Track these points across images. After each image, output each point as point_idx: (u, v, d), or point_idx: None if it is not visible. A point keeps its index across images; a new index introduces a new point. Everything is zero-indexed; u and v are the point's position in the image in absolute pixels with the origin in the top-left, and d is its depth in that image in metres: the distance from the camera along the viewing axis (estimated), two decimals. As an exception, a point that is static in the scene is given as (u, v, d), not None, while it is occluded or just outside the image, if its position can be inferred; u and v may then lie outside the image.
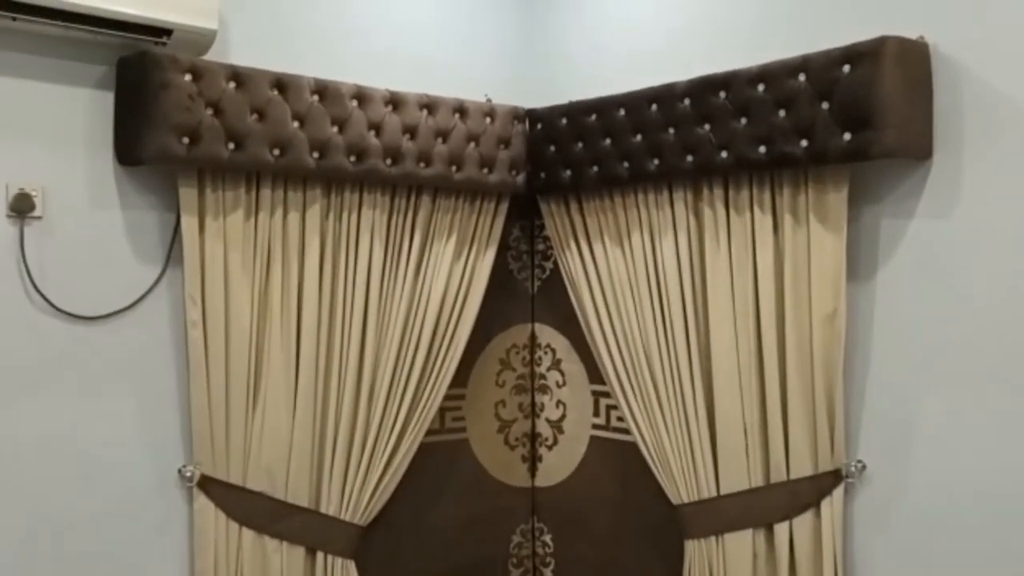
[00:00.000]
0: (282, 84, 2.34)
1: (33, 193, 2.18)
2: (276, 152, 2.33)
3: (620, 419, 2.74)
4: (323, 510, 2.52)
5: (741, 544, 2.39)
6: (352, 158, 2.45)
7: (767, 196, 2.30)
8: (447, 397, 2.76)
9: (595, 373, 2.80)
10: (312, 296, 2.48)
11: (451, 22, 2.88)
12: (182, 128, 2.18)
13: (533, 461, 3.08)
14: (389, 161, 2.51)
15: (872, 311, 2.23)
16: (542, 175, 2.75)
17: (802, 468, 2.29)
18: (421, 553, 2.81)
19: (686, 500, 2.49)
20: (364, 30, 2.70)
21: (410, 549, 2.79)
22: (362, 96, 2.47)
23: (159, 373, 2.35)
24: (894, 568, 2.22)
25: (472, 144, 2.66)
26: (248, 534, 2.41)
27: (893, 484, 2.22)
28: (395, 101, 2.53)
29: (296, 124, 2.36)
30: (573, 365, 2.96)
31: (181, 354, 2.36)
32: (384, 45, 2.72)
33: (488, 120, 2.70)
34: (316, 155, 2.39)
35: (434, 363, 2.70)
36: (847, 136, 2.05)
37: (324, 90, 2.40)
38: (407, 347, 2.64)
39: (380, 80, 2.54)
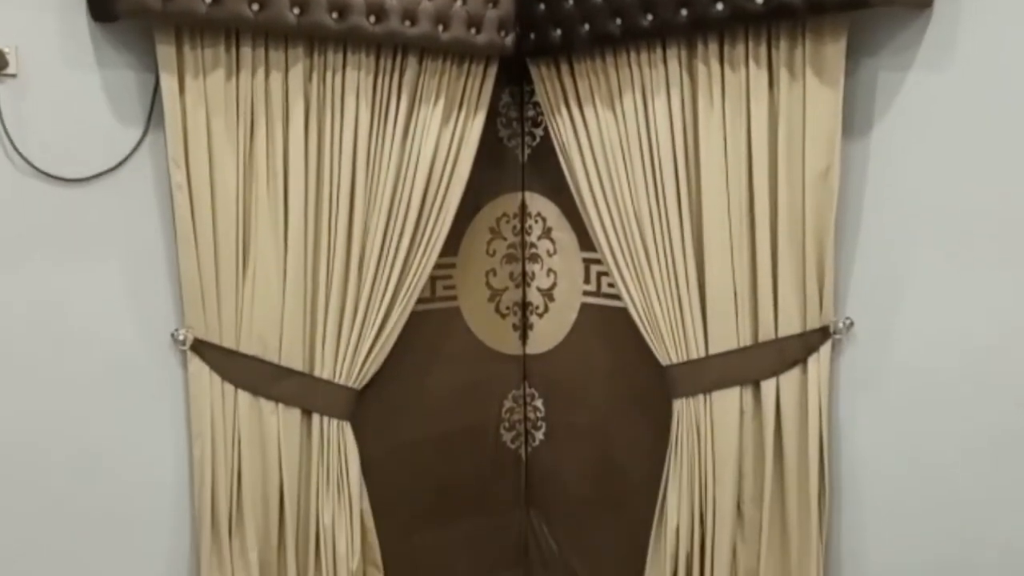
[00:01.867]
0: (260, -66, 2.24)
1: (6, 50, 2.10)
2: (255, 7, 2.24)
3: (611, 285, 2.75)
4: (317, 374, 2.54)
5: (728, 401, 2.44)
6: (334, 15, 2.36)
7: (763, 50, 2.24)
8: (437, 266, 2.75)
9: (586, 241, 2.79)
10: (298, 159, 2.43)
11: None
12: (157, -22, 2.10)
13: (524, 329, 3.11)
14: (373, 19, 2.42)
15: (866, 167, 2.22)
16: (531, 36, 2.66)
17: (790, 327, 2.32)
18: (415, 417, 2.86)
19: (675, 361, 2.52)
20: None
21: (404, 413, 2.84)
22: (343, -51, 2.37)
23: (146, 238, 2.33)
24: (879, 423, 2.28)
25: (459, 2, 2.57)
26: (244, 397, 2.44)
27: (880, 341, 2.25)
28: (378, -46, 2.42)
29: (276, -22, 2.27)
30: (564, 233, 2.95)
31: (167, 219, 2.33)
32: None
33: (475, -24, 2.60)
34: (297, 11, 2.30)
35: (424, 230, 2.68)
36: (847, -18, 1.99)
37: (304, -59, 2.30)
38: (396, 213, 2.61)
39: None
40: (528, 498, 3.13)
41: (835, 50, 2.12)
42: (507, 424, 3.10)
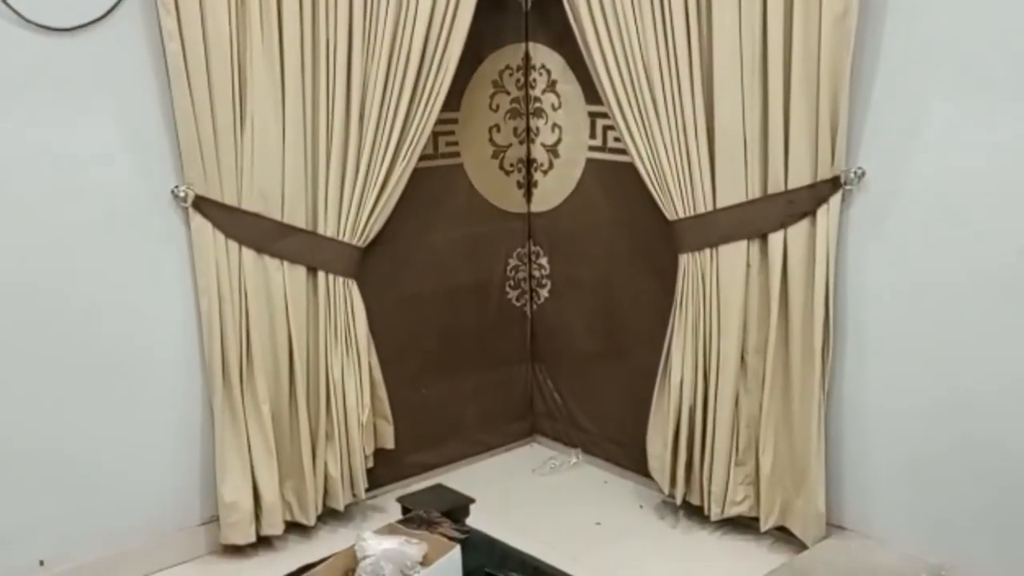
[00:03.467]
0: None
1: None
2: None
3: (617, 139, 2.69)
4: (320, 231, 2.53)
5: (734, 254, 2.44)
6: None
7: None
8: (440, 121, 2.69)
9: (592, 93, 2.72)
10: (293, 10, 2.33)
11: None
12: None
13: (528, 186, 3.07)
14: None
15: (884, 12, 2.13)
16: None
17: (801, 178, 2.28)
18: (420, 274, 2.87)
19: (682, 216, 2.50)
20: None
21: (409, 270, 2.84)
22: None
23: (141, 88, 2.26)
24: (885, 271, 2.28)
25: None
26: (248, 253, 2.44)
27: (890, 190, 2.22)
28: None
29: None
30: (569, 86, 2.87)
31: (161, 69, 2.25)
32: None
33: None
34: None
35: (424, 83, 2.59)
36: None
37: None
38: (396, 65, 2.53)
39: None
40: (533, 353, 3.18)
41: None
42: (512, 282, 3.11)
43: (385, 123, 2.55)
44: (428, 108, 2.62)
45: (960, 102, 2.06)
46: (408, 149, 2.61)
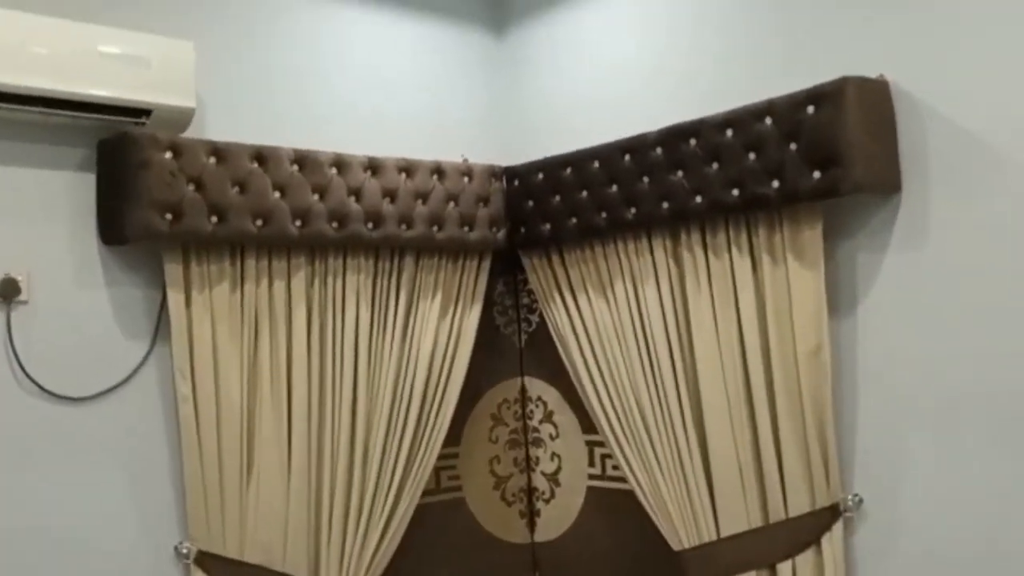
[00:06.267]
0: (262, 156, 2.38)
1: (19, 278, 2.19)
2: (259, 223, 2.36)
3: (616, 467, 2.74)
4: (322, 579, 2.49)
5: (746, 586, 2.38)
6: (334, 224, 2.48)
7: (743, 237, 2.34)
8: (441, 456, 2.76)
9: (588, 423, 2.81)
10: (301, 363, 2.48)
11: (424, 85, 2.94)
12: (164, 204, 2.21)
13: (531, 516, 3.06)
14: (371, 225, 2.54)
15: (855, 345, 2.26)
16: (522, 230, 2.79)
17: (800, 505, 2.30)
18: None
19: (687, 545, 2.48)
20: (339, 98, 2.75)
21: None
22: (341, 163, 2.51)
23: (151, 450, 2.34)
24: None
25: (452, 204, 2.70)
26: (248, 606, 2.38)
27: (890, 517, 2.22)
28: (373, 166, 2.57)
29: (277, 194, 2.39)
30: (565, 416, 2.96)
31: (172, 430, 2.35)
32: (359, 112, 2.78)
33: (466, 179, 2.75)
34: (298, 223, 2.42)
35: (426, 423, 2.70)
36: (816, 175, 2.10)
37: (303, 160, 2.45)
38: (398, 408, 2.64)
39: (357, 146, 2.59)
40: None
41: (812, 235, 2.21)
42: (520, 623, 3.00)
43: (388, 463, 2.61)
44: (429, 446, 2.69)
45: (940, 430, 2.13)
46: (411, 486, 2.65)
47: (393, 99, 2.85)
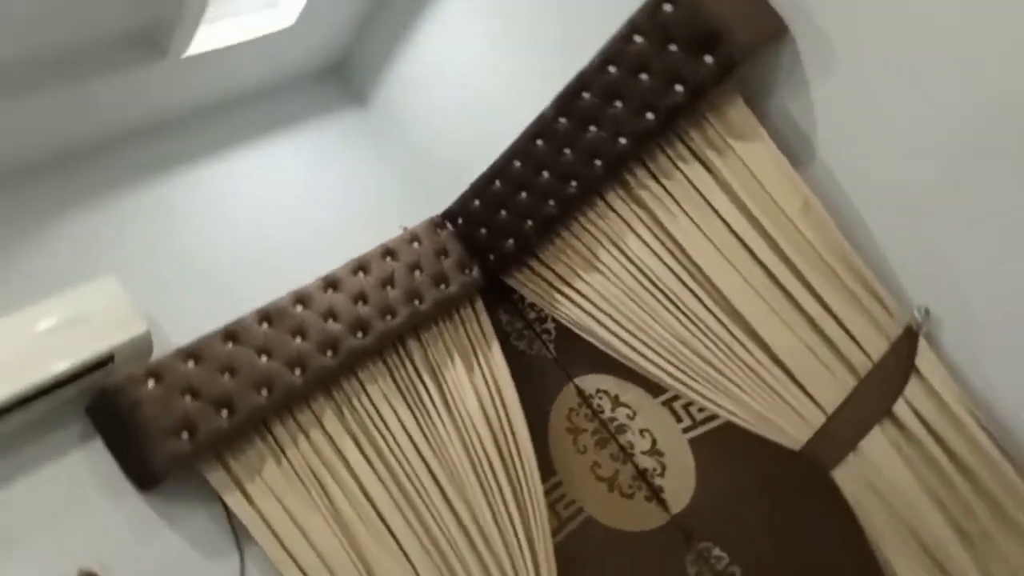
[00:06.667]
0: (231, 334, 2.39)
1: (95, 570, 2.19)
2: (264, 392, 2.37)
3: (701, 410, 2.72)
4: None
5: (878, 444, 2.34)
6: (328, 353, 2.48)
7: (682, 149, 2.33)
8: (547, 492, 2.74)
9: (654, 386, 2.78)
10: (378, 490, 2.47)
11: (327, 185, 2.96)
12: (173, 428, 2.22)
13: (656, 495, 3.03)
14: (360, 335, 2.55)
15: (834, 179, 2.24)
16: (491, 257, 2.78)
17: (878, 346, 2.26)
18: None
19: (804, 440, 2.44)
20: (264, 242, 2.77)
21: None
22: (302, 297, 2.52)
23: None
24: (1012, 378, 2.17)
25: (417, 273, 2.70)
26: None
27: (963, 308, 2.19)
28: (331, 283, 2.58)
29: (264, 358, 2.40)
30: (630, 393, 2.93)
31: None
32: (289, 244, 2.79)
33: (416, 244, 2.75)
34: (298, 372, 2.43)
35: (516, 471, 2.68)
36: (708, 59, 2.09)
37: (267, 315, 2.46)
38: (484, 473, 2.62)
39: (305, 274, 2.60)
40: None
41: (738, 112, 2.20)
42: (704, 588, 2.97)
43: (505, 525, 2.58)
44: (532, 488, 2.67)
45: (953, 212, 2.10)
46: (540, 535, 2.62)
47: (309, 215, 2.87)
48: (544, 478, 2.75)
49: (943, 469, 2.28)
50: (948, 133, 2.05)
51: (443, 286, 2.72)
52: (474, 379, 2.73)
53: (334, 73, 3.15)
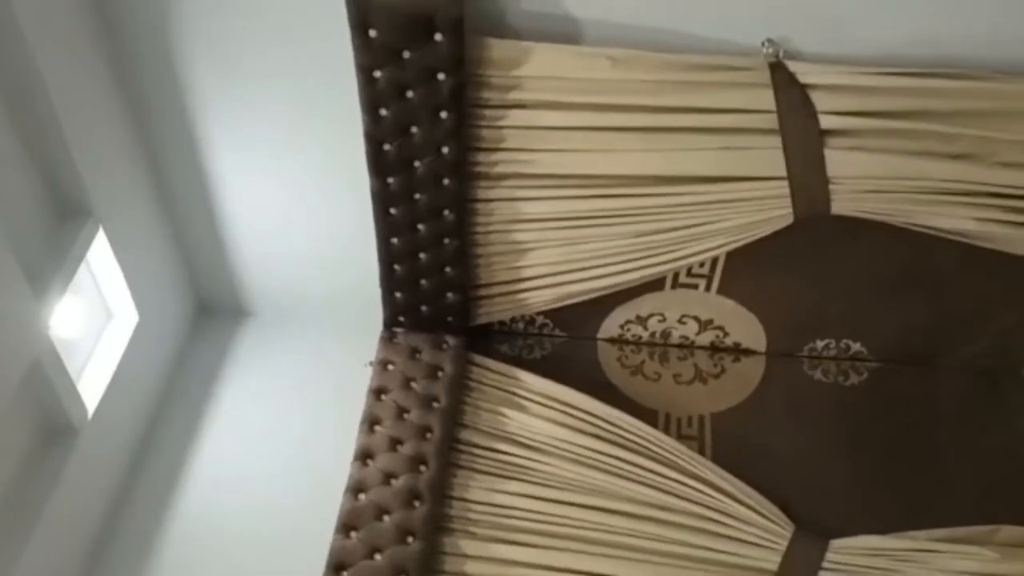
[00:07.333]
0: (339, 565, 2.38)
1: None
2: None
3: (702, 264, 2.73)
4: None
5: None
6: (416, 503, 2.47)
7: (490, 111, 2.34)
8: (665, 430, 2.72)
9: (656, 283, 2.78)
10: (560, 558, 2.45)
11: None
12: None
13: (740, 351, 3.04)
14: (422, 467, 2.54)
15: (611, 26, 2.27)
16: (449, 320, 2.81)
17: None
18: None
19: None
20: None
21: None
22: (358, 486, 2.51)
23: None
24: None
25: (413, 384, 2.70)
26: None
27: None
28: (365, 455, 2.57)
29: (378, 556, 2.38)
30: (642, 303, 2.92)
31: None
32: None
33: (391, 367, 2.76)
34: (410, 539, 2.41)
35: (637, 446, 2.61)
36: (438, 37, 2.14)
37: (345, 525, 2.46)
38: (618, 469, 2.58)
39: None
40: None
41: (498, 48, 2.23)
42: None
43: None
44: (659, 444, 2.66)
45: None
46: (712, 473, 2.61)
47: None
48: (655, 425, 2.75)
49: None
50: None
51: (440, 373, 2.74)
52: (533, 411, 2.73)
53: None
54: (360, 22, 2.13)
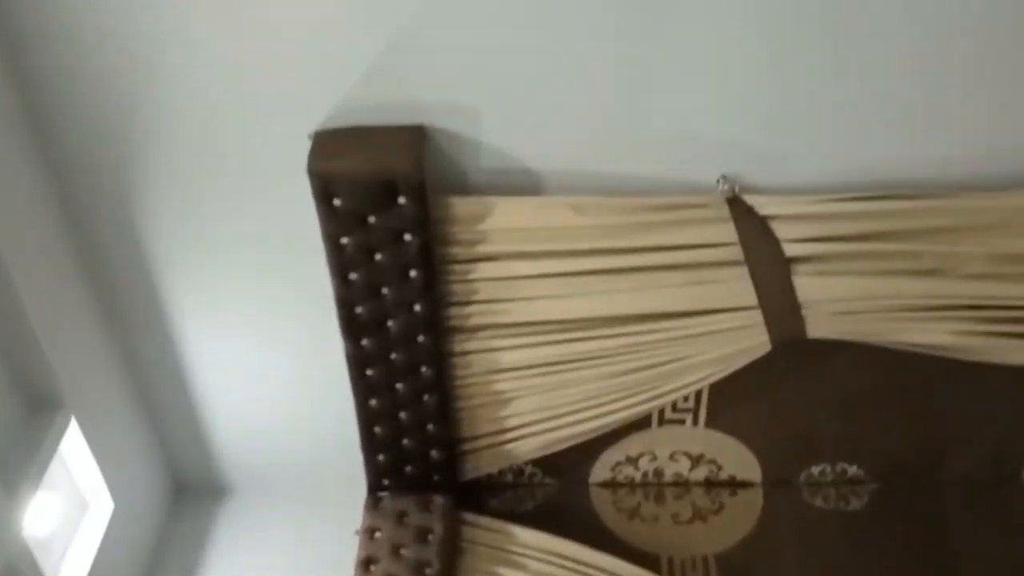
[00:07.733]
0: None
1: None
2: None
3: (686, 399, 2.70)
4: None
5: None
6: None
7: (458, 266, 2.37)
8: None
9: (642, 422, 2.74)
10: None
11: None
12: None
13: (736, 484, 2.97)
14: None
15: (569, 175, 2.32)
16: (435, 479, 2.74)
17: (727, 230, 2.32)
18: None
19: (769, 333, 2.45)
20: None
21: None
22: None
23: None
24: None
25: (403, 550, 2.60)
26: None
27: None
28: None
29: None
30: (631, 443, 2.87)
31: None
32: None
33: (378, 533, 2.65)
34: None
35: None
36: (402, 200, 2.18)
37: None
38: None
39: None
40: None
41: (462, 206, 2.27)
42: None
43: None
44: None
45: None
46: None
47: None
48: (658, 571, 2.66)
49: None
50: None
51: (429, 536, 2.64)
52: (531, 568, 2.62)
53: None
54: (324, 193, 2.16)
